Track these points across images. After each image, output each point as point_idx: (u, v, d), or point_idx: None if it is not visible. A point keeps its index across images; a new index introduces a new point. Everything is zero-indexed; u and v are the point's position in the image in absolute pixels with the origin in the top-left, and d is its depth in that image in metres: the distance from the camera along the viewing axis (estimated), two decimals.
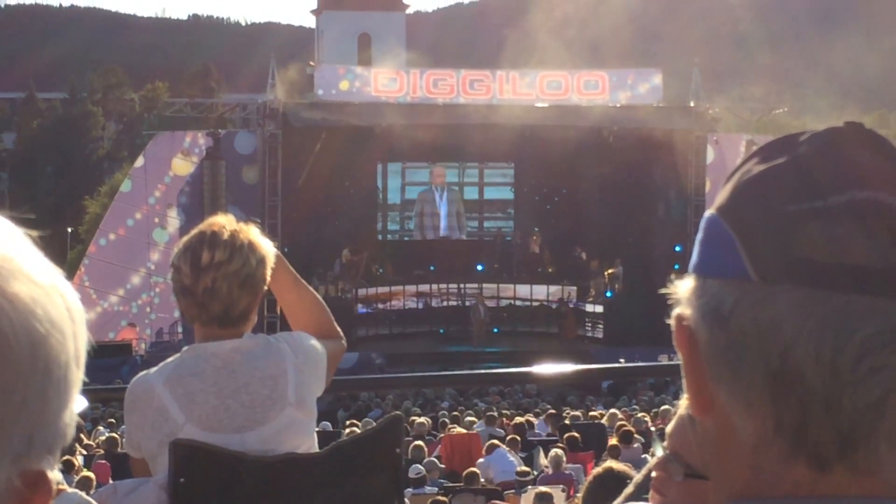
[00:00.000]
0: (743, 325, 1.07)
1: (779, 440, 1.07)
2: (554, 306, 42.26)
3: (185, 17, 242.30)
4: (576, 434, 16.69)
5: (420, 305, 42.39)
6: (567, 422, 19.57)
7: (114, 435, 17.14)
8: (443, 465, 15.56)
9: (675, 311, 1.15)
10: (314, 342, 3.70)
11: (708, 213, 1.14)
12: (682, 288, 1.14)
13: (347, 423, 15.23)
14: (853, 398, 1.04)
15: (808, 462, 1.07)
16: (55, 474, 0.98)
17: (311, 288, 4.00)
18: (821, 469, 1.07)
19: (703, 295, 1.11)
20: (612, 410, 21.52)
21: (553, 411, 21.91)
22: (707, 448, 1.15)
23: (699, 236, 1.14)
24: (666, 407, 20.66)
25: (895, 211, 1.06)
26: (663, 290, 1.19)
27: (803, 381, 1.04)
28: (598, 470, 4.63)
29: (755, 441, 1.09)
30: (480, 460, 15.37)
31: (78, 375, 1.00)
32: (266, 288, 3.60)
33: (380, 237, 44.93)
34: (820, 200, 1.06)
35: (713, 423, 1.13)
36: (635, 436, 16.15)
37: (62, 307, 0.98)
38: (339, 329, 4.00)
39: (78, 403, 1.01)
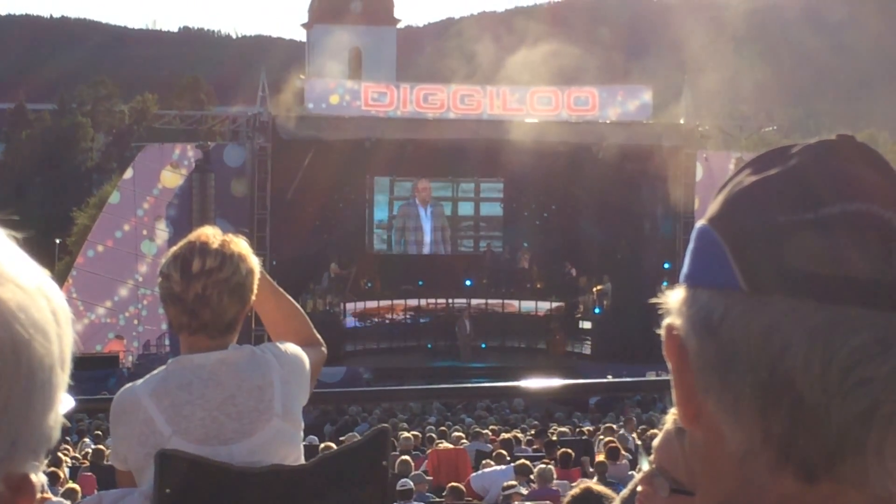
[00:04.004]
0: (732, 336, 1.07)
1: (766, 451, 1.07)
2: (542, 322, 42.26)
3: (175, 30, 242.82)
4: (569, 451, 16.65)
5: (408, 320, 42.35)
6: (554, 438, 19.55)
7: (100, 447, 17.09)
8: (430, 478, 15.53)
9: (666, 321, 1.15)
10: (298, 352, 3.69)
11: (699, 223, 1.14)
12: (673, 298, 1.14)
13: (322, 446, 15.17)
14: (841, 409, 1.04)
15: (795, 473, 1.07)
16: (39, 478, 0.98)
17: (289, 296, 3.99)
18: (808, 480, 1.07)
19: (694, 305, 1.11)
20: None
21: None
22: (695, 459, 1.15)
23: (690, 246, 1.14)
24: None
25: (886, 223, 1.06)
26: (654, 301, 1.19)
27: (792, 391, 1.04)
28: (575, 491, 4.62)
29: (743, 452, 1.09)
30: (474, 475, 15.34)
31: (63, 378, 0.99)
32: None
33: (369, 251, 44.85)
34: (811, 212, 1.06)
35: (701, 434, 1.13)
36: (622, 452, 16.13)
37: (47, 310, 0.98)
38: (318, 336, 3.99)
39: (64, 404, 1.00)
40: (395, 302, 42.18)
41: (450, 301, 42.11)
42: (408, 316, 42.34)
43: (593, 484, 4.71)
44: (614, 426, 20.57)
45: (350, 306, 40.81)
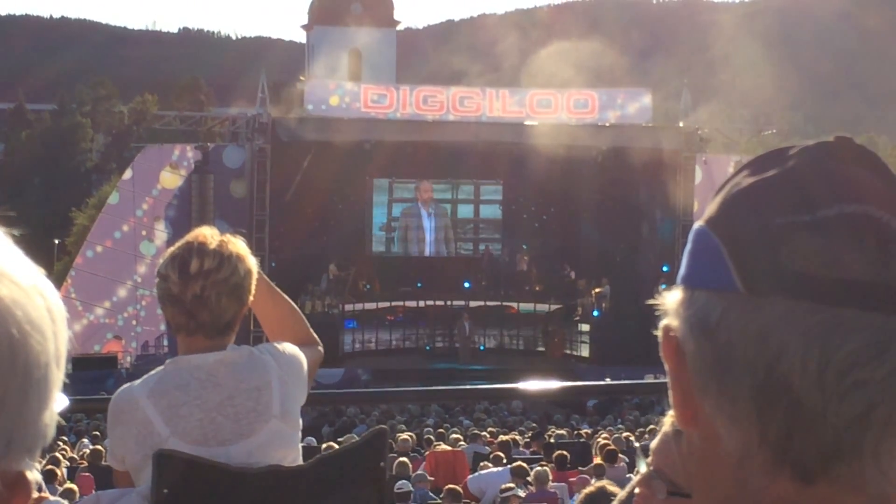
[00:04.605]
0: (730, 337, 1.07)
1: (763, 453, 1.07)
2: (541, 324, 42.29)
3: (175, 31, 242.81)
4: (565, 453, 16.66)
5: (406, 322, 42.34)
6: (552, 440, 19.54)
7: (98, 447, 17.07)
8: (431, 478, 15.50)
9: (663, 323, 1.14)
10: (296, 352, 3.68)
11: (697, 224, 1.14)
12: (670, 299, 1.14)
13: (325, 446, 15.17)
14: (838, 411, 1.03)
15: (792, 475, 1.07)
16: (34, 475, 0.98)
17: (285, 296, 3.98)
18: (805, 482, 1.07)
19: (691, 306, 1.11)
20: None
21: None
22: (692, 461, 1.15)
23: (688, 248, 1.14)
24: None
25: (883, 225, 1.06)
26: (651, 302, 1.19)
27: (789, 393, 1.04)
28: (590, 489, 4.61)
29: (740, 453, 1.08)
30: (471, 477, 15.33)
31: (58, 375, 0.99)
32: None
33: (368, 253, 44.84)
34: (809, 213, 1.06)
35: (698, 436, 1.13)
36: (619, 455, 16.12)
37: (43, 308, 0.98)
38: (315, 336, 3.98)
39: (59, 402, 1.00)
40: (394, 303, 42.18)
41: (448, 303, 42.11)
42: (406, 318, 42.33)
43: (608, 483, 4.71)
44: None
45: (349, 308, 40.81)
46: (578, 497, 4.61)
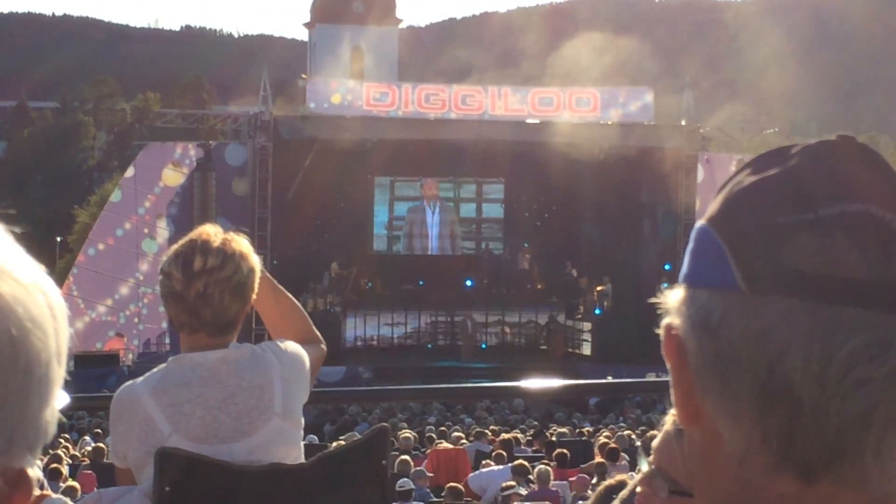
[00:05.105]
0: (731, 336, 1.06)
1: (765, 451, 1.07)
2: (543, 323, 42.29)
3: (177, 29, 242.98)
4: (565, 451, 16.66)
5: (408, 320, 42.33)
6: (553, 438, 19.54)
7: (100, 445, 17.09)
8: (431, 474, 15.50)
9: (665, 321, 1.14)
10: (299, 350, 3.68)
11: (699, 223, 1.14)
12: (672, 298, 1.14)
13: (334, 445, 15.16)
14: (840, 410, 1.03)
15: (794, 474, 1.06)
16: (35, 472, 0.98)
17: (288, 294, 3.98)
18: (807, 481, 1.07)
19: (693, 305, 1.10)
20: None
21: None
22: (693, 460, 1.15)
23: (689, 246, 1.14)
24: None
25: (885, 224, 1.06)
26: (653, 300, 1.19)
27: (791, 392, 1.04)
28: (611, 481, 4.61)
29: (742, 452, 1.08)
30: (471, 475, 15.33)
31: (59, 372, 1.00)
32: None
33: (370, 251, 44.86)
34: (811, 212, 1.06)
35: (700, 434, 1.13)
36: (621, 453, 16.12)
37: (44, 305, 0.98)
38: (318, 333, 3.97)
39: (60, 399, 1.00)
40: (396, 302, 42.17)
41: (450, 301, 42.11)
42: (408, 316, 42.33)
43: (629, 477, 4.70)
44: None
45: (350, 306, 40.80)
46: (598, 489, 4.61)
